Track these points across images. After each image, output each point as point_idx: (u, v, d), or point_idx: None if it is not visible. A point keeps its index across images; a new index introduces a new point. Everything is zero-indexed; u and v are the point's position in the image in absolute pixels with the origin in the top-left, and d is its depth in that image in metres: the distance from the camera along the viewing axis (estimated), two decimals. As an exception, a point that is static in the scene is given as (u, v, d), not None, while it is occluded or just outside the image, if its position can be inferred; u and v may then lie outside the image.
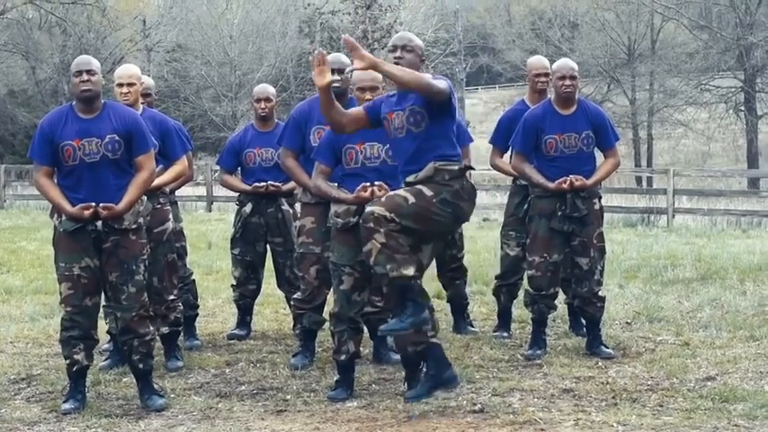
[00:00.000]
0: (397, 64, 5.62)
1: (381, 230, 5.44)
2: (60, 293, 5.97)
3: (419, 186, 5.57)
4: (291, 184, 7.66)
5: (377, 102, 5.90)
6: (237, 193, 8.19)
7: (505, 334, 8.09)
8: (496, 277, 8.34)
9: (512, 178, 8.20)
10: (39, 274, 11.94)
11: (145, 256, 6.07)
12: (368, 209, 5.52)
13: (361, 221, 5.61)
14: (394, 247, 5.46)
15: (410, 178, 5.62)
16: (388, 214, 5.45)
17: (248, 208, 8.00)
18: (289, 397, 6.24)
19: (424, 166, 5.59)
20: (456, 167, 5.63)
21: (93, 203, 5.81)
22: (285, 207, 7.97)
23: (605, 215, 7.81)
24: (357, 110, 5.90)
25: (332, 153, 6.34)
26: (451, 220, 5.69)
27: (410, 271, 5.49)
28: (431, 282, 9.15)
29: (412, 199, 5.52)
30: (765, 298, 9.59)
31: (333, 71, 6.79)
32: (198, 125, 43.42)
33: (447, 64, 42.15)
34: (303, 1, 43.22)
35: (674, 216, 19.96)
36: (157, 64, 44.86)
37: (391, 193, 5.63)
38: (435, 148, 5.62)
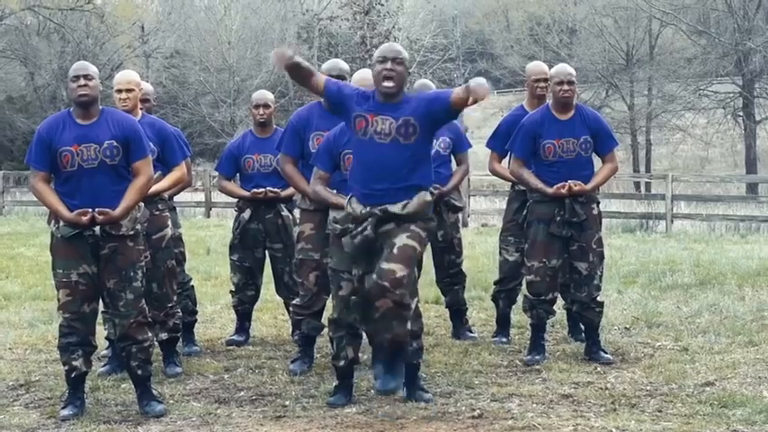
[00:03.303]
0: (387, 77, 5.68)
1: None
2: (58, 300, 5.97)
3: (417, 230, 5.69)
4: (290, 190, 7.67)
5: (344, 88, 5.84)
6: (236, 199, 8.19)
7: (504, 339, 8.08)
8: (495, 283, 8.33)
9: (510, 183, 8.20)
10: (37, 280, 11.93)
11: (143, 263, 6.07)
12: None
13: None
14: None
15: (395, 209, 5.64)
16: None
17: (247, 214, 8.00)
18: (287, 403, 6.24)
19: (412, 187, 5.67)
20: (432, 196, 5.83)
21: (90, 209, 5.80)
22: (285, 213, 7.97)
23: (604, 220, 7.81)
24: (319, 78, 5.84)
25: (330, 159, 6.33)
26: None
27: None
28: (430, 287, 9.18)
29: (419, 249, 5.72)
30: (764, 303, 9.59)
31: (332, 77, 6.81)
32: (196, 131, 43.50)
33: (445, 69, 42.25)
34: (302, 7, 43.35)
35: (672, 221, 19.97)
36: (156, 70, 44.92)
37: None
38: (419, 167, 5.71)
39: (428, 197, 5.73)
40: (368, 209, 5.70)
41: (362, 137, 5.70)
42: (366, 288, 5.66)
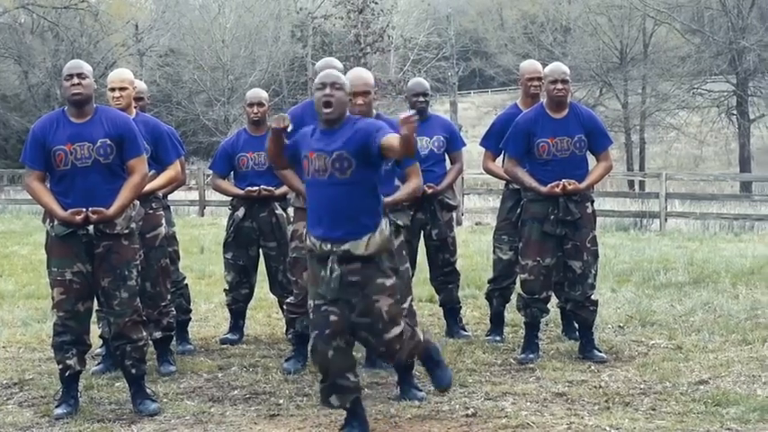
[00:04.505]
0: (326, 103, 5.41)
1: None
2: (53, 298, 5.96)
3: (392, 283, 5.44)
4: (284, 188, 7.67)
5: (296, 138, 5.61)
6: (230, 198, 8.19)
7: (498, 338, 8.09)
8: (489, 281, 8.33)
9: (504, 182, 8.20)
10: (31, 278, 11.92)
11: (137, 262, 6.06)
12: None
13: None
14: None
15: (359, 250, 5.31)
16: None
17: (241, 212, 8.00)
18: (281, 401, 6.24)
19: (360, 223, 5.34)
20: (390, 228, 5.56)
21: (84, 208, 5.80)
22: (279, 211, 7.97)
23: (598, 219, 7.81)
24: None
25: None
26: None
27: None
28: (423, 286, 9.18)
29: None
30: (757, 302, 9.60)
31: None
32: (190, 129, 43.43)
33: (439, 68, 42.27)
34: (295, 5, 43.27)
35: (666, 220, 19.99)
36: (150, 68, 44.81)
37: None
38: (363, 202, 5.38)
39: (386, 231, 5.43)
40: (328, 246, 5.37)
41: (307, 177, 5.50)
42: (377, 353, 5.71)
